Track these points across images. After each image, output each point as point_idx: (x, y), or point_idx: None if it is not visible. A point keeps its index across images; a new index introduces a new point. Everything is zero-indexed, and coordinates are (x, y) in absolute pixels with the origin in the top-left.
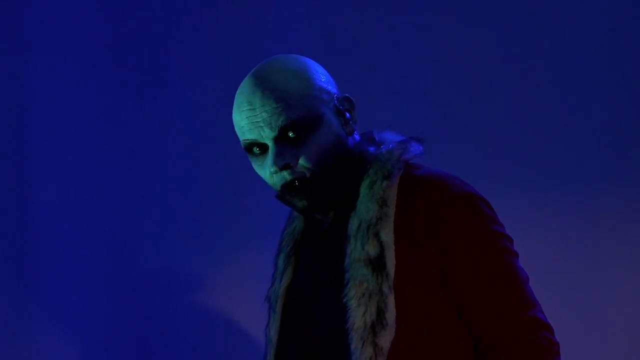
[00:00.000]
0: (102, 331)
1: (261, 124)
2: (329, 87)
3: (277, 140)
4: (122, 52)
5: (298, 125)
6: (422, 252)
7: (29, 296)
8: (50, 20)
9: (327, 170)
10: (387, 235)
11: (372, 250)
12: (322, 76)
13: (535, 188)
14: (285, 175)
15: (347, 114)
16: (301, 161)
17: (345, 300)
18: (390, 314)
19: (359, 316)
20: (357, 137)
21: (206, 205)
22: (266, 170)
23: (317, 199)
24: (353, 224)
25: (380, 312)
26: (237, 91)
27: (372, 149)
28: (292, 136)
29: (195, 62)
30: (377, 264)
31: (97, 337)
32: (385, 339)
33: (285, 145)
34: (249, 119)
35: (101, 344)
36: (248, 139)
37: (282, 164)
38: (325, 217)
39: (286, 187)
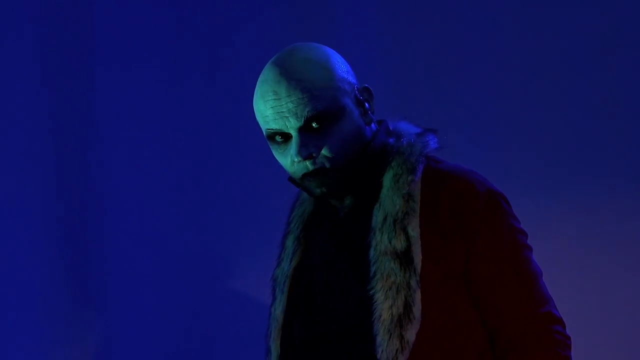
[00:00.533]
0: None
1: (286, 114)
2: (350, 78)
3: (301, 130)
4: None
5: (323, 116)
6: (446, 247)
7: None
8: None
9: (347, 161)
10: (414, 229)
11: (399, 244)
12: (343, 66)
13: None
14: (308, 164)
15: (367, 104)
16: (324, 152)
17: (371, 292)
18: (417, 308)
19: (385, 309)
20: (374, 126)
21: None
22: (288, 159)
23: (336, 188)
24: (378, 217)
25: (408, 306)
26: (260, 79)
27: (391, 140)
28: (316, 127)
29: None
30: (404, 258)
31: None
32: (412, 332)
33: (309, 136)
34: (274, 109)
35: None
36: (272, 128)
37: (306, 154)
38: (340, 203)
39: (307, 175)
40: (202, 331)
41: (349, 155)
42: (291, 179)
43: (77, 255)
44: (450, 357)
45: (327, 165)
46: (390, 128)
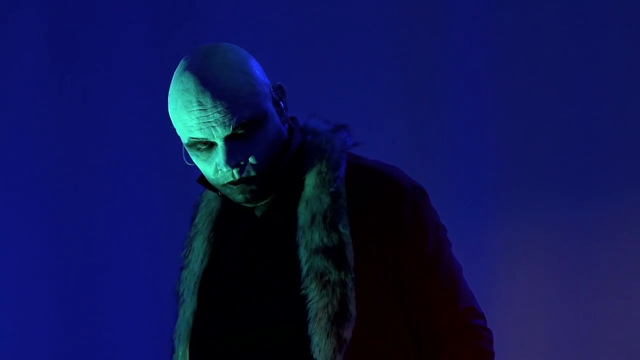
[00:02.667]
0: None
1: (213, 124)
2: (265, 79)
3: (227, 138)
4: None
5: (249, 123)
6: (376, 244)
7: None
8: None
9: (271, 165)
10: (345, 227)
11: (330, 242)
12: (258, 67)
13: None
14: (234, 173)
15: (281, 103)
16: (251, 159)
17: (304, 291)
18: (353, 306)
19: (321, 308)
20: (288, 124)
21: None
22: (212, 166)
23: (260, 195)
24: (305, 214)
25: (344, 304)
26: (177, 87)
27: (309, 137)
28: (241, 133)
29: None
30: (337, 256)
31: None
32: (349, 330)
33: (236, 143)
34: (200, 119)
35: None
36: (196, 138)
37: (234, 164)
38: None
39: (232, 183)
40: None
41: (272, 159)
42: (202, 182)
43: (76, 255)
44: (382, 353)
45: (253, 172)
46: (302, 125)
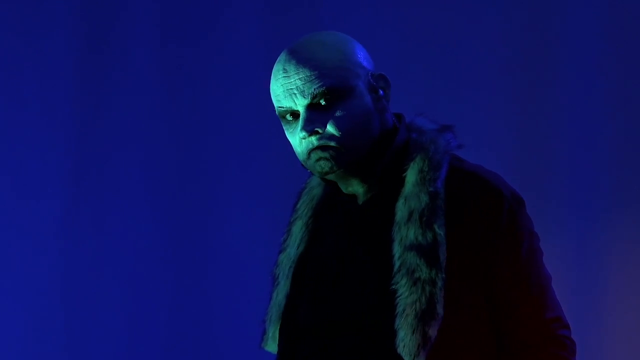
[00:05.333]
0: None
1: (295, 91)
2: (364, 63)
3: (308, 107)
4: None
5: (330, 93)
6: (470, 247)
7: None
8: None
9: (353, 142)
10: (440, 227)
11: (424, 240)
12: (359, 51)
13: None
14: (313, 140)
15: (381, 91)
16: (329, 128)
17: (394, 286)
18: (441, 305)
19: (409, 304)
20: (389, 116)
21: None
22: (296, 137)
23: (337, 168)
24: (403, 211)
25: (432, 303)
26: (277, 60)
27: (414, 135)
28: (323, 104)
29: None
30: (430, 255)
31: None
32: (434, 329)
33: (316, 113)
34: (284, 86)
35: None
36: (283, 107)
37: (310, 129)
38: (353, 191)
39: (311, 151)
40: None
41: (355, 137)
42: (303, 164)
43: (78, 254)
44: (464, 354)
45: (331, 143)
46: (408, 123)
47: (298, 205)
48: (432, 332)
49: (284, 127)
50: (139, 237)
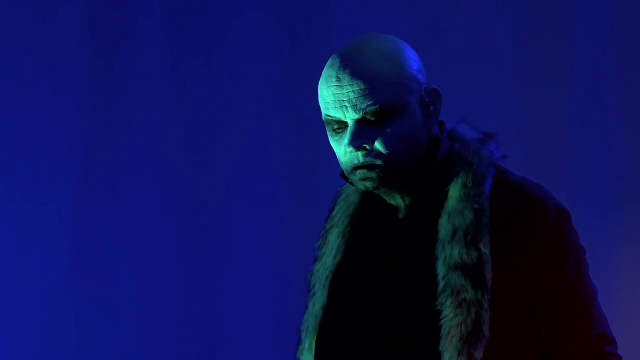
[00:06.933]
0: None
1: (346, 104)
2: (420, 77)
3: (358, 121)
4: None
5: (383, 111)
6: (515, 265)
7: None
8: None
9: (400, 162)
10: (485, 245)
11: (470, 260)
12: (414, 63)
13: None
14: (360, 156)
15: (432, 107)
16: (377, 145)
17: (439, 307)
18: (487, 327)
19: (455, 326)
20: (436, 129)
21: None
22: (342, 148)
23: (380, 186)
24: (447, 228)
25: (478, 324)
26: (329, 63)
27: (457, 146)
28: (374, 120)
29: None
30: (475, 275)
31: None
32: (480, 351)
33: (365, 127)
34: (336, 96)
35: None
36: (331, 116)
37: (358, 145)
38: (396, 203)
39: (357, 167)
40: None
41: (403, 155)
42: (342, 175)
43: (89, 254)
44: None
45: (379, 161)
46: (450, 131)
47: (334, 213)
48: (479, 354)
49: (328, 133)
50: (150, 238)
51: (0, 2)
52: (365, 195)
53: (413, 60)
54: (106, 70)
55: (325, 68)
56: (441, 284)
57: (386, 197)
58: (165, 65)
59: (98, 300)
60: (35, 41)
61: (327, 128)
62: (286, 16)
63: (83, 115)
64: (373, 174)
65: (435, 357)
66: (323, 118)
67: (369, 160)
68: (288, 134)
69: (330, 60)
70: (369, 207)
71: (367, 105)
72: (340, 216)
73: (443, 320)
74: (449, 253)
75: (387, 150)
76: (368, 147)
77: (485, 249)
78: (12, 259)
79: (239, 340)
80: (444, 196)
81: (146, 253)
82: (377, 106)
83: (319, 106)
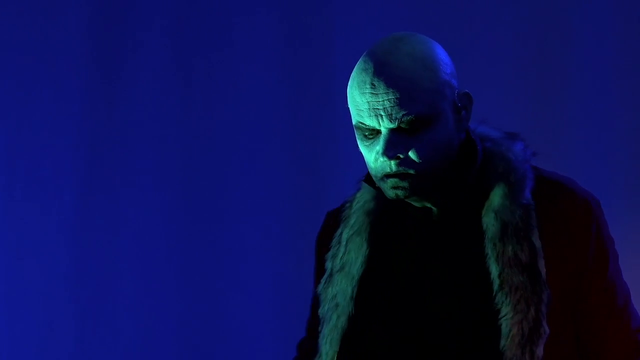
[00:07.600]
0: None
1: (381, 112)
2: (453, 81)
3: (392, 130)
4: None
5: (417, 120)
6: (563, 259)
7: None
8: None
9: (432, 170)
10: (537, 240)
11: (524, 255)
12: (447, 67)
13: None
14: (392, 164)
15: (463, 112)
16: (411, 154)
17: (498, 306)
18: (546, 322)
19: (516, 324)
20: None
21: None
22: (372, 154)
23: (412, 195)
24: (495, 226)
25: (537, 320)
26: (360, 66)
27: (487, 144)
28: (408, 128)
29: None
30: (531, 271)
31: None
32: (541, 348)
33: (399, 136)
34: (370, 104)
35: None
36: (364, 124)
37: (392, 155)
38: (421, 204)
39: (388, 176)
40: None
41: (435, 164)
42: (366, 180)
43: (89, 254)
44: None
45: (412, 170)
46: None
47: (352, 221)
48: (539, 351)
49: (358, 137)
50: (151, 238)
51: (1, 3)
52: (385, 201)
53: (446, 64)
54: (107, 70)
55: (356, 70)
56: (496, 282)
57: (415, 203)
58: (166, 66)
59: (98, 301)
60: (37, 41)
61: (356, 132)
62: (287, 17)
63: (84, 116)
64: (405, 183)
65: (495, 357)
66: (354, 123)
67: (402, 169)
68: (289, 135)
69: (362, 62)
70: (392, 212)
71: (403, 115)
72: (360, 223)
73: (502, 319)
74: (500, 250)
75: (420, 159)
76: (402, 156)
77: (537, 244)
78: (12, 259)
79: (239, 340)
80: (482, 194)
81: (146, 253)
82: (412, 115)
83: (347, 108)
